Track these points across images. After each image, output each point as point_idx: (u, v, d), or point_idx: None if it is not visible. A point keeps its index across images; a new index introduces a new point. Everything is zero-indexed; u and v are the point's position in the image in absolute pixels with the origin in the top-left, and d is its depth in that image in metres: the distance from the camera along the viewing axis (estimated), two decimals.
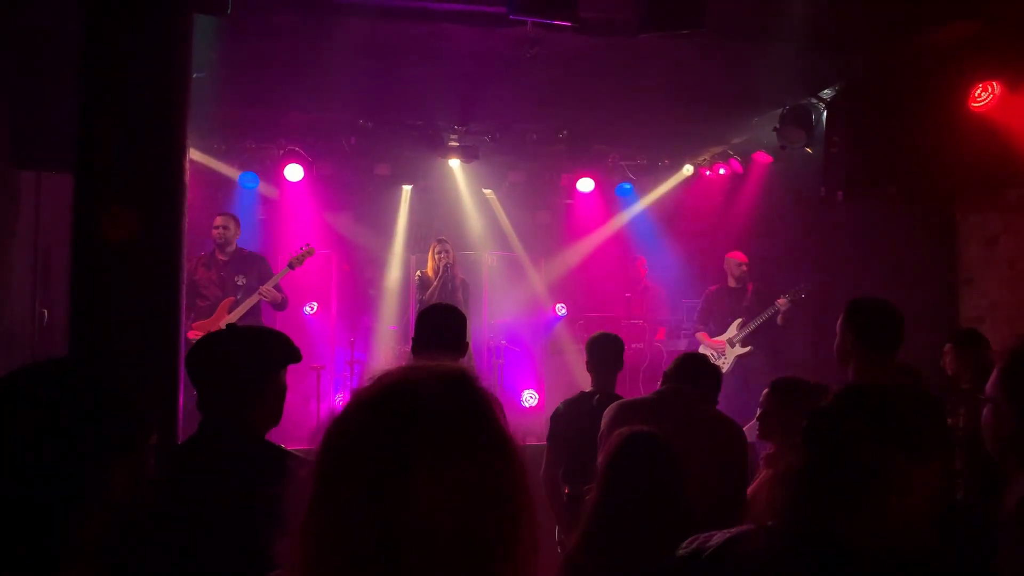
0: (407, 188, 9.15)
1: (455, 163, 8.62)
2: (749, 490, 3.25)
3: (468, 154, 8.29)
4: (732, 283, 7.76)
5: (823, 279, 7.38)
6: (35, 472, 1.26)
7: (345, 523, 0.93)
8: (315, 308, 8.54)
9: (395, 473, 0.92)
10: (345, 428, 0.99)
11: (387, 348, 8.46)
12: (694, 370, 3.44)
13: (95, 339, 3.42)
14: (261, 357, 2.30)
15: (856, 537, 1.35)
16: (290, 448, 2.25)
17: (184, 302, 3.72)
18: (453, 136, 8.24)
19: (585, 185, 9.10)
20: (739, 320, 7.56)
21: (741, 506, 3.18)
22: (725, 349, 7.52)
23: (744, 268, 7.70)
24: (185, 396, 3.36)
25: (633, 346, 7.89)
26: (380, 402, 0.99)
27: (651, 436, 2.43)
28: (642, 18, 4.89)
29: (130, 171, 3.49)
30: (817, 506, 1.38)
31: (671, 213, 9.47)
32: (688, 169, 9.07)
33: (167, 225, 3.57)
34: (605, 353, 4.30)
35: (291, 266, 6.89)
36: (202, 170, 7.77)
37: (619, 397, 3.91)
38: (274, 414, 2.32)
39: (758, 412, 3.51)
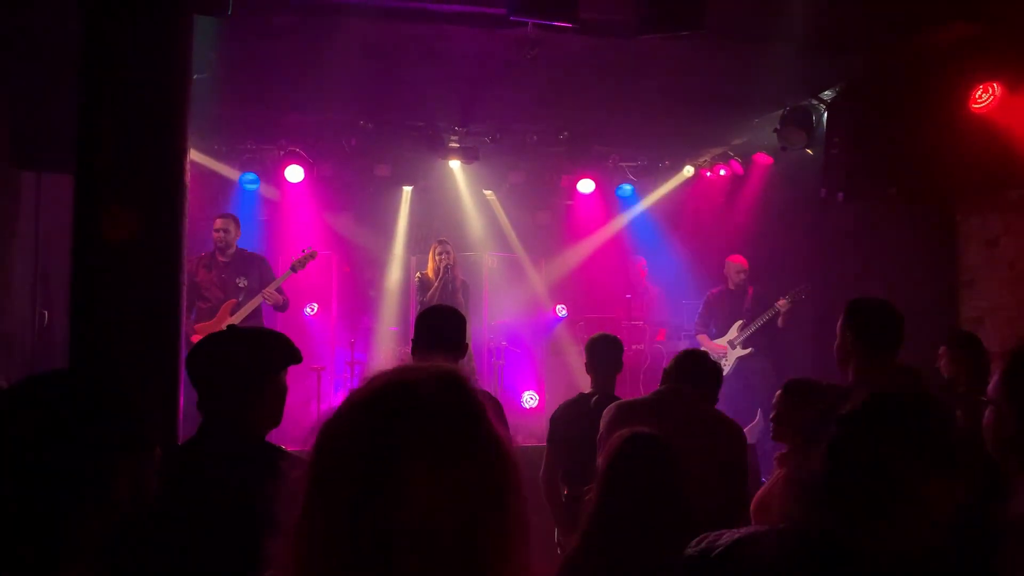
0: (407, 189, 9.15)
1: (455, 164, 8.63)
2: (761, 490, 3.25)
3: (468, 155, 8.30)
4: (732, 286, 7.77)
5: (823, 280, 7.38)
6: (36, 472, 1.26)
7: (338, 524, 0.93)
8: (315, 309, 8.54)
9: (387, 474, 0.93)
10: (338, 429, 0.99)
11: (387, 349, 8.46)
12: (694, 368, 3.43)
13: (95, 339, 3.42)
14: (261, 358, 2.30)
15: (874, 546, 1.34)
16: (290, 449, 2.25)
17: (184, 302, 3.72)
18: (453, 137, 8.24)
19: (585, 186, 9.10)
20: (740, 322, 7.57)
21: (741, 507, 3.18)
22: (726, 351, 7.53)
23: (741, 274, 7.70)
24: (185, 397, 3.36)
25: (633, 347, 7.89)
26: (372, 403, 0.99)
27: (651, 437, 2.43)
28: (642, 19, 4.89)
29: (130, 171, 3.49)
30: (838, 514, 1.37)
31: (671, 214, 9.47)
32: (688, 170, 9.07)
33: (167, 226, 3.57)
34: (605, 354, 4.30)
35: (293, 269, 6.90)
36: (203, 171, 7.77)
37: (618, 398, 3.91)
38: (274, 415, 2.31)
39: (771, 413, 3.51)
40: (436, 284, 7.49)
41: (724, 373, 7.30)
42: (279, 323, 7.32)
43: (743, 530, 1.54)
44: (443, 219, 9.24)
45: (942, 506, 1.34)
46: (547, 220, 9.68)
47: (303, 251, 6.97)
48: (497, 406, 3.52)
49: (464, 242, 8.95)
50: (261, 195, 8.61)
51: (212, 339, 2.39)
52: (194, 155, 5.19)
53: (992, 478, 1.69)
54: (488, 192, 9.34)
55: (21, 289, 5.75)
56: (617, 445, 2.43)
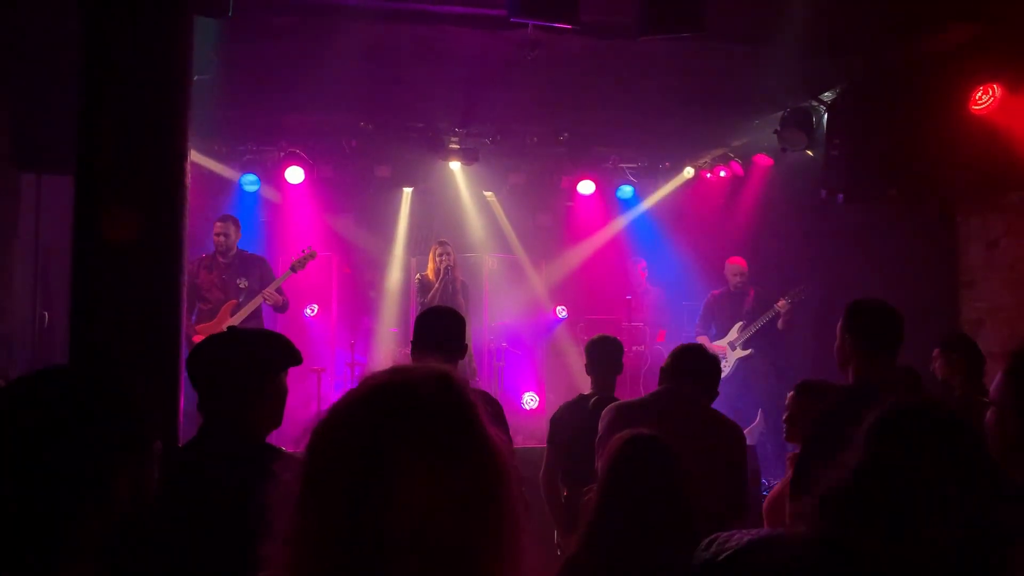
0: (408, 190, 9.14)
1: (456, 165, 8.63)
2: (773, 492, 3.24)
3: (468, 156, 8.30)
4: (732, 288, 7.77)
5: (823, 281, 7.38)
6: (35, 472, 1.26)
7: (332, 525, 0.94)
8: (316, 310, 8.54)
9: (378, 474, 0.93)
10: (330, 431, 1.00)
11: (388, 350, 8.46)
12: (693, 363, 3.40)
13: (95, 340, 3.41)
14: (262, 359, 2.30)
15: (897, 555, 1.33)
16: (291, 451, 2.25)
17: (184, 303, 3.72)
18: (454, 138, 8.25)
19: (586, 187, 9.10)
20: (740, 323, 7.57)
21: (741, 507, 3.18)
22: (726, 353, 7.53)
23: (739, 276, 7.70)
24: (186, 398, 3.36)
25: (634, 348, 7.89)
26: (364, 404, 1.00)
27: (652, 439, 2.43)
28: (643, 21, 4.88)
29: (131, 173, 3.49)
30: (864, 524, 1.36)
31: (672, 216, 9.47)
32: (689, 171, 9.07)
33: (168, 227, 3.57)
34: (605, 356, 4.30)
35: (293, 269, 6.90)
36: (203, 172, 7.78)
37: (618, 400, 3.91)
38: (275, 416, 2.32)
39: (784, 414, 3.51)
40: (437, 285, 7.49)
41: (724, 374, 7.37)
42: (279, 324, 7.32)
43: (754, 532, 1.53)
44: (443, 220, 9.24)
45: (971, 520, 1.34)
46: (547, 221, 9.68)
47: (303, 251, 6.97)
48: (497, 407, 3.53)
49: (464, 243, 8.95)
50: (261, 196, 8.61)
51: (213, 340, 2.40)
52: (194, 156, 5.19)
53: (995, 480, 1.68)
54: (488, 193, 9.34)
55: (22, 290, 5.75)
56: (617, 447, 2.43)
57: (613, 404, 3.46)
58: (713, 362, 3.47)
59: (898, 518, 1.34)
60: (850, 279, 6.94)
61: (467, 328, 3.65)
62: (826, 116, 6.88)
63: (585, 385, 4.52)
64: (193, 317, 6.44)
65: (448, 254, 7.58)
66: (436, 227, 9.12)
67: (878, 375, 2.92)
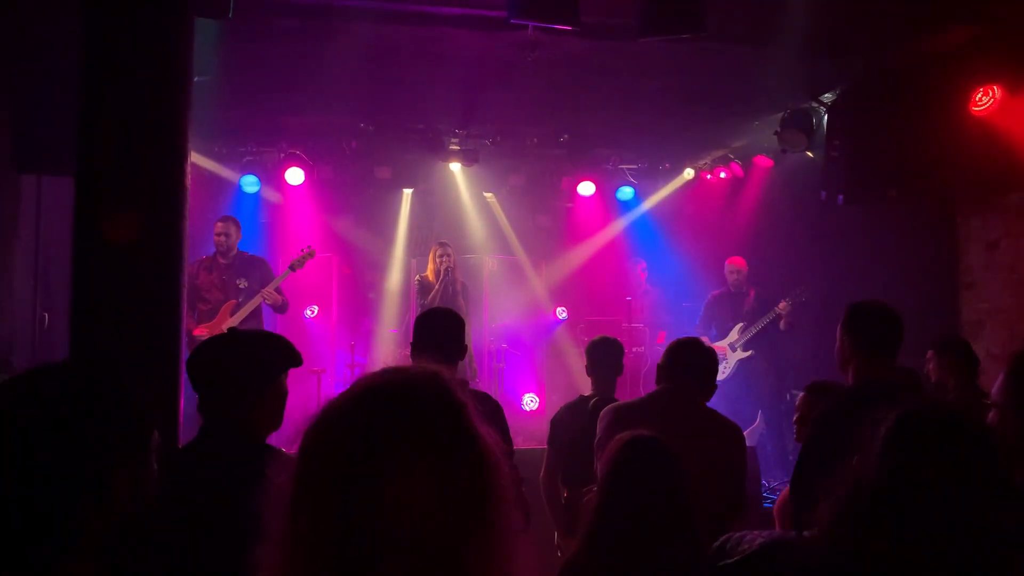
0: (408, 191, 9.15)
1: (456, 166, 8.63)
2: (784, 492, 3.24)
3: (469, 158, 8.30)
4: (731, 288, 7.77)
5: (824, 283, 7.38)
6: (35, 472, 1.26)
7: (323, 527, 0.94)
8: (316, 312, 8.54)
9: (368, 475, 0.94)
10: (321, 432, 1.00)
11: (388, 352, 8.46)
12: (688, 356, 3.35)
13: (96, 341, 3.41)
14: (262, 361, 2.30)
15: (907, 560, 1.33)
16: (290, 452, 2.25)
17: (185, 305, 3.72)
18: (454, 140, 8.25)
19: (586, 189, 9.11)
20: (740, 324, 7.56)
21: (740, 507, 3.18)
22: (727, 354, 7.52)
23: (736, 275, 7.69)
24: (186, 400, 3.36)
25: (634, 350, 7.90)
26: (354, 405, 1.00)
27: (653, 440, 2.43)
28: (643, 22, 4.89)
29: (131, 174, 3.49)
30: (878, 527, 1.35)
31: (672, 217, 9.47)
32: (689, 173, 9.07)
33: (168, 228, 3.57)
34: (605, 357, 4.29)
35: (292, 268, 6.90)
36: (203, 173, 7.79)
37: (618, 401, 3.91)
38: (275, 418, 2.32)
39: (795, 415, 3.50)
40: (437, 287, 7.48)
41: (724, 376, 7.37)
42: (279, 325, 7.32)
43: (766, 534, 1.53)
44: (443, 221, 9.25)
45: (985, 524, 1.34)
46: (547, 222, 9.69)
47: (302, 250, 6.97)
48: (497, 408, 3.52)
49: (464, 244, 8.95)
50: (261, 197, 8.62)
51: (213, 342, 2.40)
52: (195, 157, 5.19)
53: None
54: (488, 194, 9.35)
55: (22, 291, 5.75)
56: (618, 448, 2.43)
57: (611, 405, 3.44)
58: (709, 355, 3.42)
59: (915, 523, 1.34)
60: (850, 280, 6.95)
61: (467, 329, 3.65)
62: (826, 117, 6.88)
63: (585, 386, 4.52)
64: (193, 318, 6.44)
65: (448, 255, 7.58)
66: (436, 228, 9.12)
67: (878, 377, 2.92)
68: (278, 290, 6.70)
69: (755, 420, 7.23)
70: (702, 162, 9.06)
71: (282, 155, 8.20)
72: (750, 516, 3.64)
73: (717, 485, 3.00)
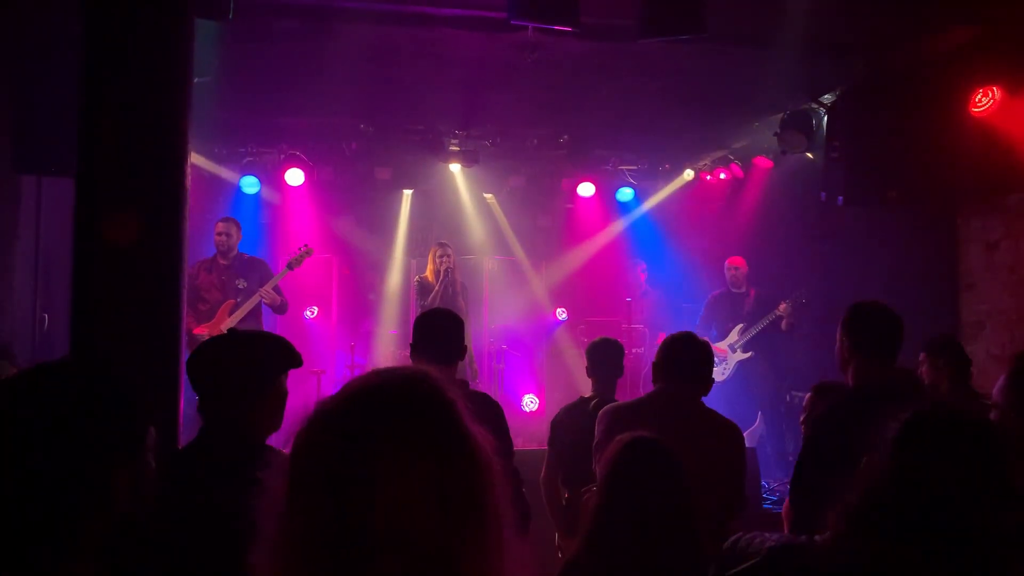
0: (408, 192, 9.15)
1: (456, 167, 8.63)
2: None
3: (469, 158, 8.30)
4: (731, 287, 7.77)
5: (824, 284, 7.38)
6: (35, 472, 1.26)
7: (316, 527, 0.94)
8: (315, 312, 8.54)
9: (359, 476, 0.94)
10: (312, 434, 1.01)
11: (387, 352, 8.46)
12: (683, 351, 3.33)
13: (96, 342, 3.41)
14: (262, 362, 2.30)
15: (918, 561, 1.33)
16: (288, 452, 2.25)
17: (185, 306, 3.72)
18: (454, 140, 8.25)
19: (586, 190, 9.11)
20: (740, 325, 7.56)
21: (739, 508, 3.18)
22: (727, 355, 7.52)
23: (734, 273, 7.69)
24: (186, 401, 3.36)
25: (634, 351, 7.89)
26: (344, 407, 1.01)
27: (653, 442, 2.43)
28: (643, 23, 4.89)
29: (131, 175, 3.49)
30: (890, 530, 1.35)
31: (672, 218, 9.48)
32: (689, 174, 9.07)
33: (168, 228, 3.57)
34: (606, 358, 4.29)
35: (290, 267, 6.89)
36: (203, 174, 7.79)
37: (618, 402, 3.90)
38: (275, 419, 2.32)
39: (801, 416, 3.50)
40: (436, 288, 7.48)
41: (724, 377, 7.36)
42: (279, 326, 7.32)
43: (775, 536, 1.52)
44: (443, 222, 9.25)
45: (1001, 529, 1.34)
46: (547, 223, 9.69)
47: (299, 248, 6.96)
48: (497, 409, 3.52)
49: (464, 245, 8.95)
50: (261, 198, 8.62)
51: (213, 343, 2.40)
52: (195, 158, 5.19)
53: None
54: (488, 195, 9.35)
55: (22, 292, 5.75)
56: (618, 450, 2.43)
57: (609, 406, 3.44)
58: (704, 350, 3.39)
59: (928, 527, 1.34)
60: (850, 281, 6.95)
61: (467, 330, 3.65)
62: (826, 118, 6.89)
63: (585, 387, 4.52)
64: (193, 318, 6.45)
65: (448, 256, 7.58)
66: (436, 229, 9.12)
67: (878, 378, 2.92)
68: (277, 290, 6.70)
69: (755, 421, 7.23)
70: (702, 163, 9.06)
71: (282, 156, 8.20)
72: (749, 516, 3.63)
73: (717, 485, 3.00)
